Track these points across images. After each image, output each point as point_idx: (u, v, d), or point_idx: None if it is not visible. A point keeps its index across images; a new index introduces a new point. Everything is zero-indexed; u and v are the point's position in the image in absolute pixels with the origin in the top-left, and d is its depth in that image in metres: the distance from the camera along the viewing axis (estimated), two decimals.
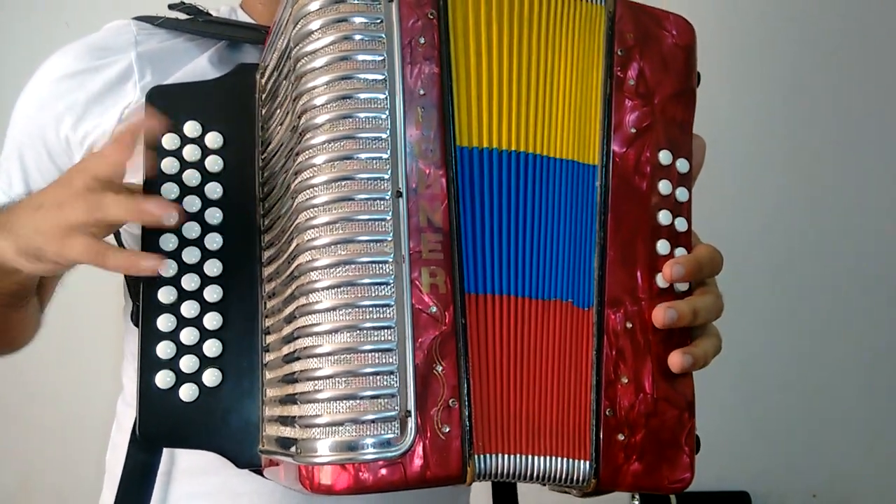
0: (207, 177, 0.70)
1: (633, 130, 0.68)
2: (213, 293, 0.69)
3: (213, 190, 0.70)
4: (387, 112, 0.61)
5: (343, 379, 0.57)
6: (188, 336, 0.68)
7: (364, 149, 0.60)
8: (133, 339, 0.72)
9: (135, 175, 0.67)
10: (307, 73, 0.62)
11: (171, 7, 0.85)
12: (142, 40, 0.82)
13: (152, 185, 0.68)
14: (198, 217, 0.69)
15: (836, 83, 1.69)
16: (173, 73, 0.80)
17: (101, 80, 0.80)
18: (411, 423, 0.57)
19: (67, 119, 0.80)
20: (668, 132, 0.69)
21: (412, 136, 0.61)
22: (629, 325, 0.65)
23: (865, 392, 1.69)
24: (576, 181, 0.67)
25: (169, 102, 0.72)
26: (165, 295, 0.68)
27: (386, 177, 0.60)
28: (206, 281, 0.69)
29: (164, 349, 0.67)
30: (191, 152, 0.71)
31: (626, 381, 0.64)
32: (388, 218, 0.59)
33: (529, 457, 0.62)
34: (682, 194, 0.69)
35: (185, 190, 0.69)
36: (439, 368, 0.59)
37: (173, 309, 0.68)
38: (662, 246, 0.67)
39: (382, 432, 0.57)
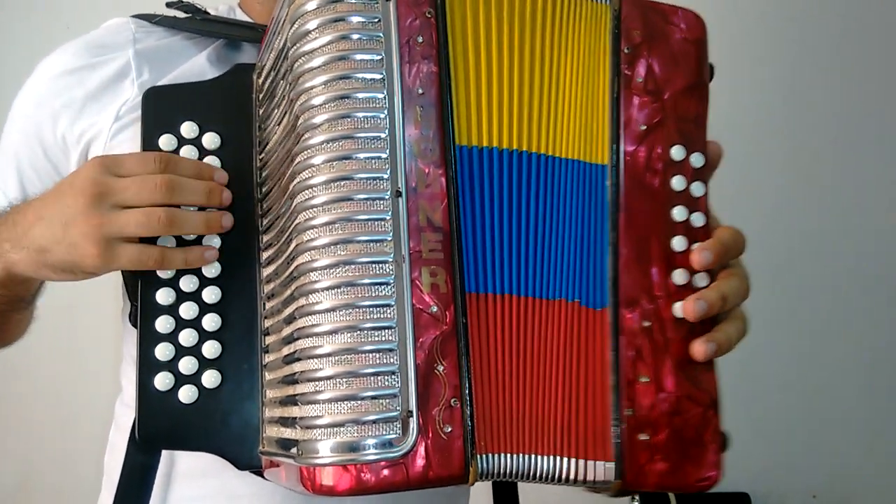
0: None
1: (643, 127, 0.68)
2: (211, 294, 0.69)
3: None
4: (385, 111, 0.61)
5: (344, 379, 0.57)
6: (187, 337, 0.68)
7: (363, 148, 0.60)
8: (131, 341, 0.72)
9: None
10: (305, 73, 0.61)
11: (168, 5, 0.85)
12: (140, 38, 0.82)
13: None
14: None
15: (836, 83, 1.68)
16: (171, 71, 0.80)
17: (98, 77, 0.80)
18: (413, 423, 0.57)
19: (64, 116, 0.80)
20: (681, 127, 0.69)
21: (411, 136, 0.61)
22: (647, 324, 0.65)
23: (865, 392, 1.69)
24: (583, 181, 0.67)
25: (166, 103, 0.72)
26: (164, 296, 0.68)
27: (385, 176, 0.60)
28: (204, 282, 0.69)
29: (163, 351, 0.67)
30: (188, 153, 0.71)
31: (646, 380, 0.64)
32: (388, 218, 0.59)
33: (533, 456, 0.62)
34: (697, 189, 0.69)
35: None
36: (440, 368, 0.59)
37: (172, 310, 0.68)
38: (679, 242, 0.67)
39: (384, 433, 0.57)
